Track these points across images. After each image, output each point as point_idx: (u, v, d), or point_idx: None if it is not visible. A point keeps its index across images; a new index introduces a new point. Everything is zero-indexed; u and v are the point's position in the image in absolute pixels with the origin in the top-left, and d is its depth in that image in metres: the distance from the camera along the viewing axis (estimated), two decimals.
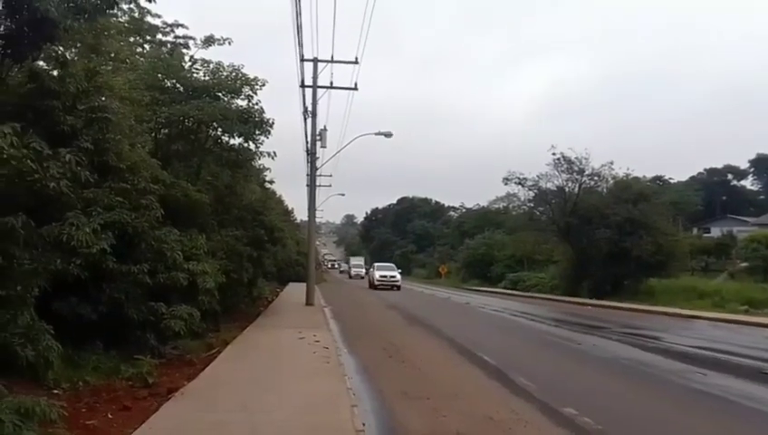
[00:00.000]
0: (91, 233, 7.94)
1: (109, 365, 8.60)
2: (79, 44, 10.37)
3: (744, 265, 37.55)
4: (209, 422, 6.38)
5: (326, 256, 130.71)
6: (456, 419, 7.24)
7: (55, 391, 7.21)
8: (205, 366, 9.68)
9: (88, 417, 6.58)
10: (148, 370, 8.42)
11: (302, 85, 24.61)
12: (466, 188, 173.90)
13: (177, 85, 14.93)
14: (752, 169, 79.84)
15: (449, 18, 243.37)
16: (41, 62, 9.06)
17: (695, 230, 58.65)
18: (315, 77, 24.35)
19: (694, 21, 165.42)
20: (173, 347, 10.45)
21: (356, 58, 23.81)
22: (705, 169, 79.77)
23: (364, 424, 6.57)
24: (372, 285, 42.73)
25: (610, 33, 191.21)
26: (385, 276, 42.62)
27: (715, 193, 73.65)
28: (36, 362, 6.83)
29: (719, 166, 79.51)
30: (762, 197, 78.97)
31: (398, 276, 43.33)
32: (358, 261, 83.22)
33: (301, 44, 21.11)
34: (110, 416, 6.68)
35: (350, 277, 73.12)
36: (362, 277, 67.25)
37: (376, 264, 48.32)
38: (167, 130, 14.88)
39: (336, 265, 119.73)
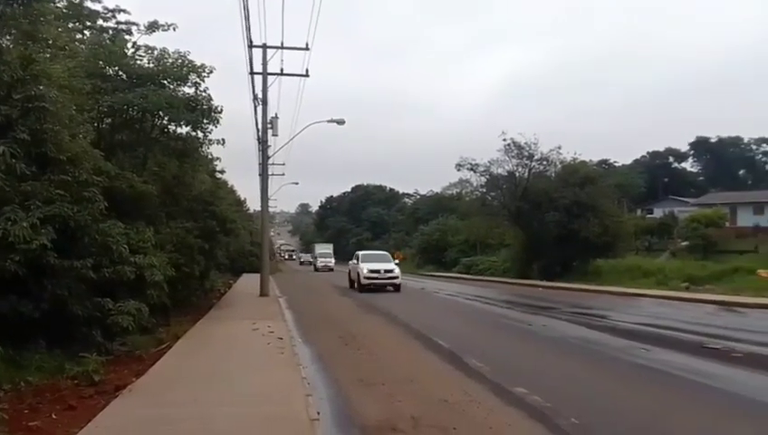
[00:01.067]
0: (29, 228, 7.66)
1: (52, 364, 8.33)
2: (14, 31, 9.87)
3: (685, 244, 39.14)
4: (159, 418, 6.25)
5: (283, 247, 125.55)
6: (411, 403, 7.33)
7: None
8: (154, 362, 9.48)
9: (31, 418, 6.36)
10: (94, 367, 8.18)
11: (252, 72, 24.17)
12: (420, 174, 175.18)
13: (120, 73, 14.43)
14: (691, 152, 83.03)
15: (407, 6, 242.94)
16: None
17: (639, 211, 60.75)
18: (265, 64, 23.98)
19: (640, 10, 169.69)
20: (121, 343, 10.20)
21: (306, 44, 23.55)
22: (648, 153, 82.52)
23: (318, 413, 6.57)
24: (358, 286, 28.52)
25: (564, 23, 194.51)
26: (377, 271, 28.16)
27: (657, 175, 76.27)
28: None
29: (661, 149, 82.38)
30: (701, 178, 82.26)
31: (397, 270, 28.75)
32: (325, 249, 70.66)
33: (249, 30, 20.70)
34: (54, 416, 6.48)
35: (316, 269, 61.36)
36: (331, 269, 58.47)
37: (361, 253, 31.82)
38: (110, 120, 14.41)
39: (294, 256, 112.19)
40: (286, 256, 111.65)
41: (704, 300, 21.18)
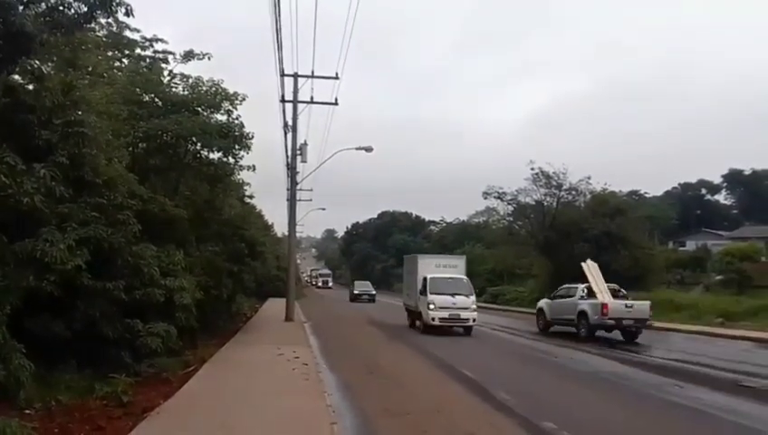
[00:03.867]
0: (65, 249, 7.81)
1: (82, 384, 8.43)
2: (55, 58, 10.21)
3: (719, 278, 38.12)
4: None
5: (313, 272, 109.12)
6: None
7: (27, 412, 7.05)
8: (181, 384, 9.53)
9: None
10: (123, 388, 8.26)
11: (283, 100, 24.61)
12: (447, 202, 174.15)
13: (156, 100, 14.83)
14: (725, 184, 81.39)
15: (440, 36, 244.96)
16: (16, 76, 8.93)
17: (670, 244, 59.49)
18: (295, 92, 24.40)
19: (675, 44, 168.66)
20: (149, 365, 10.26)
21: (336, 74, 23.90)
22: (680, 184, 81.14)
23: None
24: None
25: (597, 54, 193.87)
26: None
27: (689, 207, 74.79)
28: (7, 382, 6.68)
29: (693, 180, 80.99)
30: (735, 211, 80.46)
31: None
32: (449, 270, 23.68)
33: (281, 59, 21.13)
34: None
35: (422, 324, 21.90)
36: (468, 327, 21.21)
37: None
38: (144, 145, 14.73)
39: (330, 284, 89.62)
40: (320, 283, 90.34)
41: (739, 336, 20.55)
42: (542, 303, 24.57)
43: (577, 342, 18.85)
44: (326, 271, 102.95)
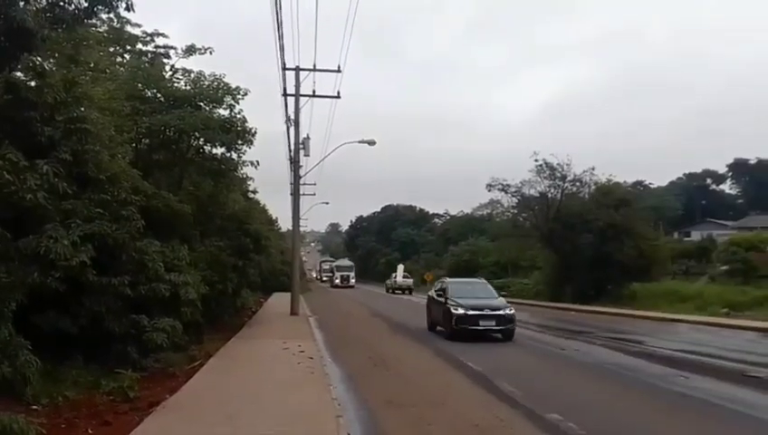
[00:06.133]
0: (69, 245, 7.83)
1: (89, 379, 8.47)
2: (57, 55, 10.23)
3: (725, 268, 37.99)
4: None
5: (324, 263, 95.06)
6: (442, 427, 7.24)
7: (34, 407, 7.08)
8: (187, 379, 9.56)
9: (67, 433, 6.48)
10: (129, 383, 8.28)
11: (285, 94, 24.52)
12: (452, 195, 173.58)
13: (158, 95, 14.84)
14: (730, 174, 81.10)
15: (447, 26, 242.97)
16: (18, 73, 8.94)
17: (675, 234, 59.39)
18: (297, 86, 24.29)
19: (682, 33, 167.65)
20: (155, 360, 10.29)
21: (338, 67, 23.81)
22: (685, 174, 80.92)
23: (349, 434, 6.53)
24: None
25: (606, 45, 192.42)
26: None
27: (694, 198, 74.67)
28: (14, 379, 6.72)
29: (698, 171, 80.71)
30: (740, 201, 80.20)
31: None
32: None
33: (282, 53, 21.06)
34: (90, 431, 6.57)
35: None
36: None
37: None
38: (147, 141, 14.76)
39: (352, 280, 68.65)
40: (337, 281, 67.60)
41: (745, 326, 20.48)
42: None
43: (582, 334, 18.84)
44: (347, 262, 77.04)
